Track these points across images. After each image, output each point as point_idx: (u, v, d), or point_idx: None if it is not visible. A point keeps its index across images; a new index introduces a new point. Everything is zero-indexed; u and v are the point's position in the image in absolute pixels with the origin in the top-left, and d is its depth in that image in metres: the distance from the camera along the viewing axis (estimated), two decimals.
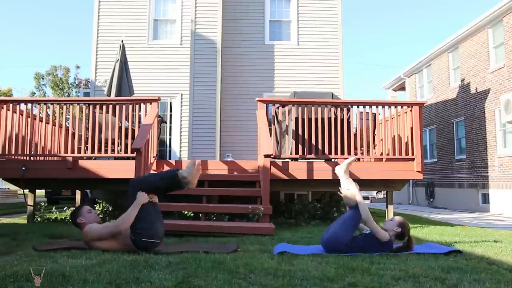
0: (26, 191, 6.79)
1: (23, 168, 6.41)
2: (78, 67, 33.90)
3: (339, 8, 11.70)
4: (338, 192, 4.13)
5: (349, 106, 6.97)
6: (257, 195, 6.08)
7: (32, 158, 6.78)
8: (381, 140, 7.18)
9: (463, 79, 14.77)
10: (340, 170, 4.17)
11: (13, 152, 6.50)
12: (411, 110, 6.75)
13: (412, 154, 6.67)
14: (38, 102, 7.01)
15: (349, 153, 6.64)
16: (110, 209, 6.96)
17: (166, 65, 10.84)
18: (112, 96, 7.91)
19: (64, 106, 6.83)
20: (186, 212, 5.86)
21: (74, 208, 7.58)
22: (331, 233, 3.82)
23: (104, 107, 6.62)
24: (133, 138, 6.45)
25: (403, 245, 3.89)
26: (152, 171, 6.32)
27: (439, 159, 16.47)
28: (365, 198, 21.13)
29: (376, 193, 21.20)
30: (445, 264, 3.28)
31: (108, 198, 7.24)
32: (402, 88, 20.66)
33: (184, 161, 8.10)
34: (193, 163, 3.89)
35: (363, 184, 6.95)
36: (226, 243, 4.42)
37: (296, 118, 6.76)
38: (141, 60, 10.72)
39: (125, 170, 6.26)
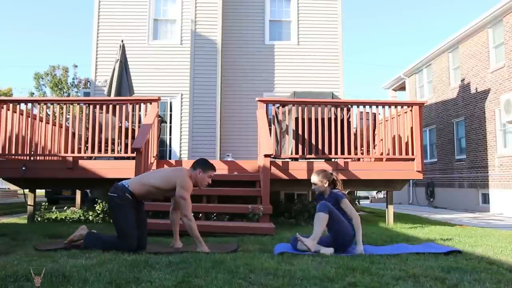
0: (26, 191, 6.79)
1: (23, 168, 6.41)
2: (75, 66, 33.88)
3: (339, 8, 11.69)
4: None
5: (349, 106, 6.97)
6: (257, 195, 6.08)
7: (32, 158, 6.77)
8: (381, 140, 7.17)
9: (463, 79, 14.76)
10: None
11: (13, 152, 6.50)
12: (411, 110, 6.75)
13: (412, 154, 6.66)
14: (38, 102, 7.01)
15: (349, 153, 6.64)
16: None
17: (166, 65, 10.84)
18: (112, 96, 7.91)
19: (64, 106, 6.83)
20: None
21: (74, 207, 7.58)
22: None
23: (104, 107, 6.62)
24: (133, 138, 6.45)
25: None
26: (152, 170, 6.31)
27: (439, 159, 16.46)
28: (365, 198, 21.13)
29: (376, 193, 21.19)
30: (445, 264, 3.28)
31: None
32: (402, 88, 20.65)
33: (184, 160, 8.09)
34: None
35: (363, 184, 6.98)
36: (226, 243, 4.43)
37: (296, 118, 6.75)
38: (141, 60, 10.72)
39: (125, 170, 6.26)
